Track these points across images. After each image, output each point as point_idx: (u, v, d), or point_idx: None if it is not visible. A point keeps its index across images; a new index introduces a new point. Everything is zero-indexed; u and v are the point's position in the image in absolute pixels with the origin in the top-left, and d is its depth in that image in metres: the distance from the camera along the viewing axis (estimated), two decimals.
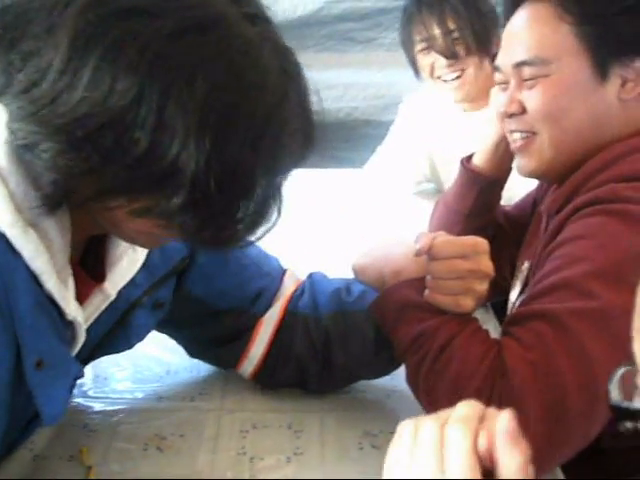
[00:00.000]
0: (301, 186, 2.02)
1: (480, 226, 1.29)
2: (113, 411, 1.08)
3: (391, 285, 1.00)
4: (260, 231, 0.76)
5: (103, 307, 0.88)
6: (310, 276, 1.14)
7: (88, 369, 1.14)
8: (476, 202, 1.31)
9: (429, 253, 0.94)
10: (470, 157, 1.34)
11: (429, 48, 1.81)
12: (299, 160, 0.76)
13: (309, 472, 0.96)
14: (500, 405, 0.84)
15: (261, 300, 1.09)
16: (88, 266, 0.87)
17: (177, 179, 0.66)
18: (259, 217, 0.74)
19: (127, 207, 0.71)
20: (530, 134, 1.06)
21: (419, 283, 0.97)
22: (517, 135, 1.09)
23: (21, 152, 0.69)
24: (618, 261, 0.89)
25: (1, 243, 0.69)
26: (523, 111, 1.06)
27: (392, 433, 1.00)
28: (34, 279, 0.73)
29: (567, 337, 0.87)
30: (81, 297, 0.83)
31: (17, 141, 0.67)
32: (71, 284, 0.79)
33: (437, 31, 1.77)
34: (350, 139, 2.77)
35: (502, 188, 1.34)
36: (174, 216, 0.70)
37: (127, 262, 0.89)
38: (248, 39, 0.69)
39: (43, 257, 0.72)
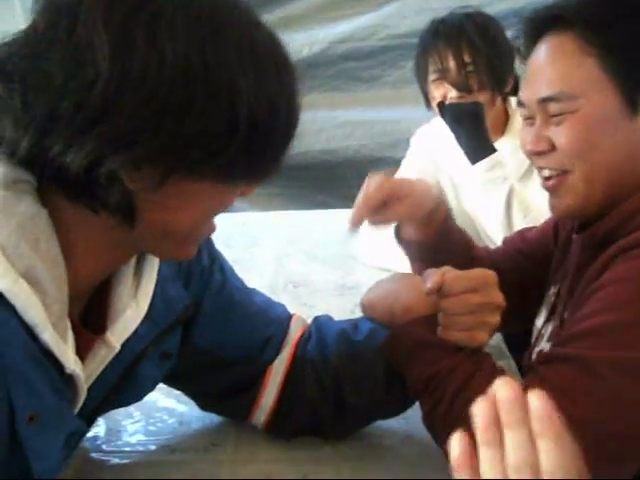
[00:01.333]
0: (320, 228, 2.06)
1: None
2: (127, 465, 1.07)
3: (403, 323, 0.99)
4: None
5: (107, 360, 0.87)
6: (316, 319, 1.14)
7: (100, 422, 1.13)
8: (421, 257, 1.26)
9: (440, 290, 0.93)
10: (396, 229, 1.28)
11: (442, 79, 1.80)
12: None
13: None
14: None
15: (269, 348, 1.08)
16: (89, 323, 0.86)
17: (239, 120, 0.70)
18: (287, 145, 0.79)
19: (191, 174, 0.73)
20: (561, 172, 1.04)
21: (431, 320, 0.96)
22: (547, 172, 1.06)
23: (14, 202, 0.70)
24: None
25: None
26: (552, 148, 1.03)
27: None
28: (28, 332, 0.72)
29: (597, 385, 0.85)
30: (82, 352, 0.82)
31: (76, 172, 0.69)
32: (70, 337, 0.78)
33: (452, 63, 1.77)
34: (360, 177, 2.77)
35: (448, 236, 1.26)
36: (236, 162, 0.73)
37: (130, 313, 0.88)
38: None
39: (36, 308, 0.71)
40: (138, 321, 0.90)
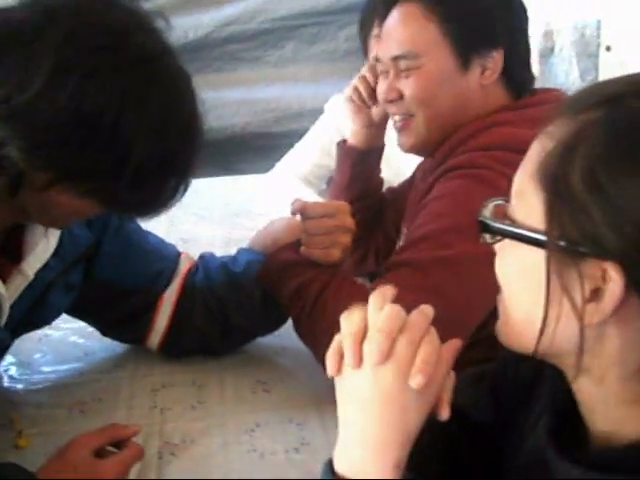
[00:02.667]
0: (208, 194, 2.22)
1: (359, 195, 1.51)
2: (38, 388, 1.24)
3: (272, 251, 1.20)
4: (171, 205, 0.99)
5: (23, 287, 1.04)
6: (202, 256, 1.34)
7: (12, 358, 1.29)
8: (352, 172, 1.52)
9: (302, 213, 1.15)
10: (344, 141, 1.55)
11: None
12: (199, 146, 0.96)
13: (211, 413, 1.14)
14: None
15: (161, 279, 1.27)
16: (7, 253, 1.03)
17: (126, 168, 0.87)
18: (173, 195, 0.97)
19: (76, 189, 0.90)
20: (407, 116, 1.27)
21: (295, 246, 1.18)
22: (397, 117, 1.29)
23: None
24: (471, 218, 1.10)
25: None
26: (401, 97, 1.26)
27: (281, 380, 1.21)
28: None
29: (427, 280, 1.08)
30: (2, 278, 0.99)
31: None
32: None
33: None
34: (246, 152, 2.95)
35: (376, 160, 1.54)
36: (113, 200, 0.91)
37: (42, 247, 1.05)
38: (172, 68, 0.92)
39: None
40: (48, 255, 1.07)
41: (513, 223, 0.64)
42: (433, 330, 0.67)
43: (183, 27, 2.90)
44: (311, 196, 2.11)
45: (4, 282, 0.99)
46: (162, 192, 0.95)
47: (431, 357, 0.65)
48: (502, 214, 0.68)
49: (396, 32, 1.26)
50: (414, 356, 0.64)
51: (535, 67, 2.77)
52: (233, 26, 3.01)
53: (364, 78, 1.45)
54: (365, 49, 2.07)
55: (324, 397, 1.17)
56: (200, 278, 1.28)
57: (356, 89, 1.44)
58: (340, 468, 0.65)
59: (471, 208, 1.10)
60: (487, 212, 0.70)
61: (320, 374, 1.19)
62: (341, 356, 0.66)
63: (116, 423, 1.04)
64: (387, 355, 0.64)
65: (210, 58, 2.96)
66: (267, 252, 1.25)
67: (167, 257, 1.30)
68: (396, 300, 1.07)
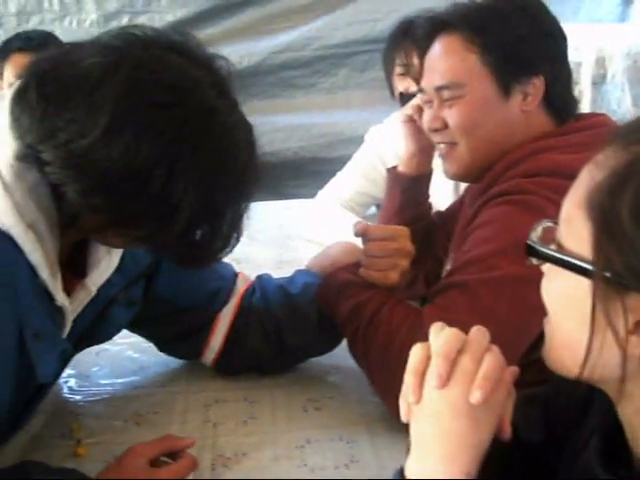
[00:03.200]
0: (260, 217, 2.27)
1: (409, 220, 1.52)
2: (96, 399, 1.28)
3: (330, 271, 1.24)
4: (223, 254, 1.04)
5: (86, 302, 1.09)
6: (259, 277, 1.37)
7: (72, 371, 1.34)
8: (402, 198, 1.54)
9: (364, 235, 1.19)
10: (395, 167, 1.58)
11: (406, 74, 2.00)
12: (251, 196, 1.01)
13: (263, 429, 1.17)
14: None
15: (218, 298, 1.30)
16: (72, 268, 1.08)
17: (177, 219, 0.92)
18: (225, 245, 1.01)
19: (127, 235, 0.96)
20: (451, 144, 1.29)
21: (353, 267, 1.22)
22: (442, 146, 1.32)
23: (25, 171, 0.92)
24: (518, 240, 1.11)
25: (7, 241, 0.91)
26: (445, 126, 1.29)
27: (331, 399, 1.24)
28: (31, 270, 0.94)
29: (475, 301, 1.10)
30: (67, 291, 1.04)
31: (52, 182, 0.91)
32: (59, 278, 1.00)
33: (416, 61, 1.96)
34: (299, 176, 3.00)
35: (426, 186, 1.57)
36: (164, 243, 0.96)
37: (105, 264, 1.10)
38: (228, 123, 0.95)
39: (39, 252, 0.94)
40: (111, 271, 1.12)
41: (560, 249, 0.65)
42: (495, 348, 0.70)
43: (238, 54, 2.98)
44: (353, 219, 2.14)
45: (68, 296, 1.03)
46: (212, 242, 0.99)
47: (492, 373, 0.67)
48: (550, 238, 0.69)
49: (438, 63, 1.29)
50: (477, 372, 0.67)
51: (587, 94, 2.78)
52: (287, 53, 3.08)
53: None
54: (390, 86, 2.10)
55: (374, 416, 1.19)
56: (257, 299, 1.31)
57: (416, 107, 1.45)
58: (411, 475, 0.68)
59: (517, 233, 1.12)
60: (535, 236, 0.71)
61: (371, 394, 1.23)
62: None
63: (171, 434, 1.07)
64: (446, 378, 0.67)
65: (264, 84, 3.04)
66: (325, 274, 1.27)
67: (225, 276, 1.33)
68: (449, 323, 1.09)
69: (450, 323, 1.08)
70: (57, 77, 0.91)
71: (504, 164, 1.24)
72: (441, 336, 0.71)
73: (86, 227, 0.98)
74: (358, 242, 1.26)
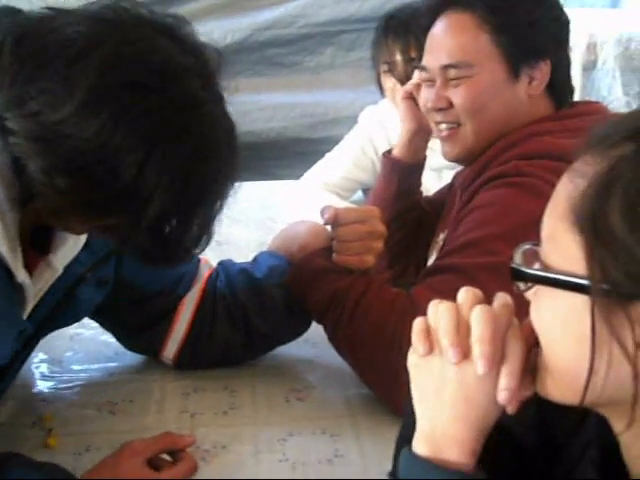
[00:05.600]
0: (243, 197, 2.22)
1: (405, 208, 1.48)
2: (69, 386, 1.23)
3: (302, 257, 1.18)
4: (190, 255, 0.99)
5: (51, 281, 1.03)
6: (221, 262, 1.31)
7: (44, 356, 1.28)
8: (399, 187, 1.49)
9: (335, 221, 1.13)
10: (389, 152, 1.52)
11: (391, 72, 1.94)
12: (226, 197, 0.95)
13: (243, 420, 1.12)
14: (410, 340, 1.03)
15: (183, 283, 1.24)
16: (35, 244, 1.01)
17: (146, 213, 0.86)
18: (193, 245, 0.96)
19: (91, 222, 0.89)
20: (455, 125, 1.25)
21: (325, 252, 1.16)
22: (443, 126, 1.27)
23: None
24: (517, 225, 1.09)
25: None
26: (450, 106, 1.24)
27: (314, 389, 1.19)
28: None
29: (472, 285, 1.06)
30: (30, 269, 0.97)
31: (15, 153, 0.84)
32: (19, 253, 0.93)
33: (399, 57, 1.91)
34: (282, 156, 2.94)
35: (420, 174, 1.52)
36: (130, 237, 0.90)
37: (72, 242, 1.03)
38: (210, 118, 0.90)
39: None
40: (78, 248, 1.06)
41: (548, 269, 0.61)
42: (516, 323, 0.67)
43: (222, 30, 2.90)
44: (339, 204, 2.09)
45: (30, 273, 0.97)
46: (181, 242, 0.94)
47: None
48: (533, 259, 0.65)
49: (445, 41, 1.25)
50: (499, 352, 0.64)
51: (577, 80, 2.74)
52: (272, 30, 3.01)
53: None
54: (379, 85, 2.03)
55: (358, 408, 1.15)
56: (221, 283, 1.26)
57: (416, 85, 1.39)
58: (420, 450, 0.66)
59: (516, 216, 1.11)
60: (518, 258, 0.67)
61: (355, 385, 1.19)
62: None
63: (170, 432, 1.01)
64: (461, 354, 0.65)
65: (248, 62, 2.97)
66: (293, 258, 1.22)
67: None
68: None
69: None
70: (37, 40, 0.84)
71: (500, 146, 1.21)
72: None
73: (45, 208, 0.90)
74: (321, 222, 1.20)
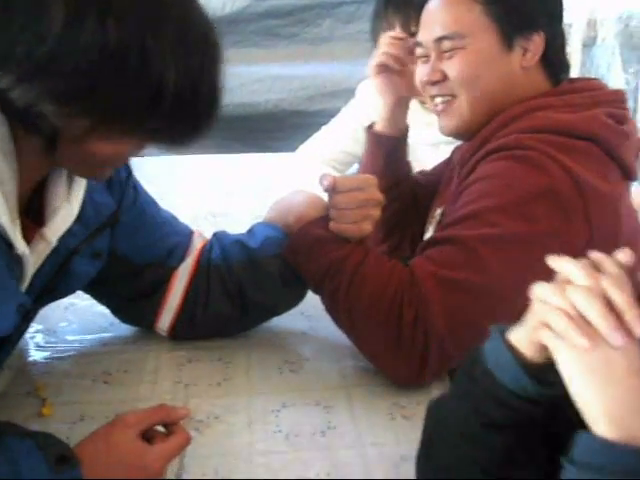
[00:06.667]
0: (239, 170, 2.21)
1: (393, 182, 1.48)
2: (64, 356, 1.23)
3: (299, 227, 1.18)
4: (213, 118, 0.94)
5: (46, 253, 1.02)
6: (215, 233, 1.31)
7: (39, 326, 1.28)
8: (385, 161, 1.48)
9: (333, 189, 1.13)
10: (371, 126, 1.51)
11: None
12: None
13: (237, 391, 1.13)
14: (410, 310, 1.04)
15: (175, 254, 1.24)
16: (29, 217, 1.01)
17: (163, 94, 0.84)
18: (211, 106, 0.92)
19: (114, 132, 0.87)
20: (450, 98, 1.25)
21: (321, 221, 1.15)
22: (439, 99, 1.27)
23: None
24: (519, 198, 1.09)
25: None
26: (444, 78, 1.24)
27: (308, 361, 1.20)
28: None
29: (472, 257, 1.07)
30: (27, 240, 0.97)
31: (19, 105, 0.82)
32: (18, 225, 0.93)
33: (399, 31, 1.84)
34: (279, 129, 2.93)
35: (405, 145, 1.51)
36: (157, 129, 0.88)
37: (64, 213, 1.02)
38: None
39: None
40: (71, 220, 1.05)
41: None
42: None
43: (220, 0, 2.88)
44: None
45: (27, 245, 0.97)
46: (199, 116, 0.92)
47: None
48: None
49: (439, 14, 1.25)
50: None
51: (577, 56, 2.73)
52: (270, 1, 2.99)
53: (395, 38, 1.43)
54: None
55: (352, 380, 1.16)
56: (216, 255, 1.25)
57: (388, 54, 1.40)
58: (607, 433, 0.64)
59: (518, 188, 1.11)
60: None
61: (349, 356, 1.19)
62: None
63: (165, 404, 0.99)
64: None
65: (246, 32, 2.95)
66: (290, 229, 1.22)
67: (181, 232, 1.27)
68: (435, 276, 1.05)
69: (444, 279, 1.05)
70: None
71: (500, 120, 1.21)
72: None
73: (69, 145, 0.88)
74: (320, 193, 1.20)
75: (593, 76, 2.75)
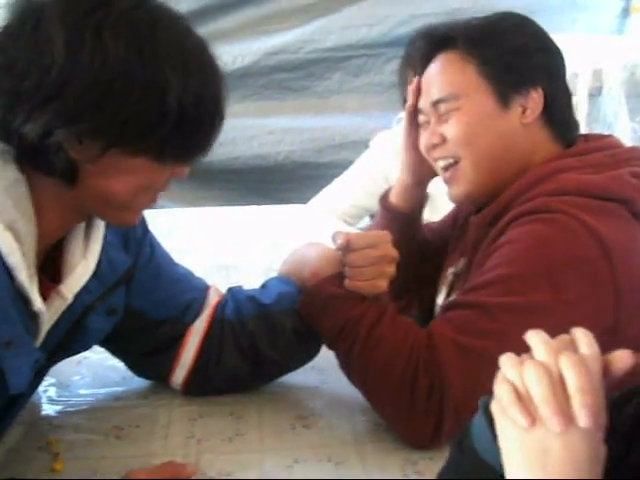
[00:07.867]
0: (250, 222, 2.23)
1: (407, 253, 1.46)
2: (76, 410, 1.23)
3: (314, 283, 1.19)
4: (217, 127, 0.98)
5: (61, 310, 1.03)
6: (230, 289, 1.31)
7: (52, 379, 1.29)
8: (399, 235, 1.46)
9: (347, 246, 1.13)
10: (386, 196, 1.49)
11: None
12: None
13: (249, 447, 1.13)
14: (426, 375, 1.03)
15: (190, 310, 1.25)
16: (46, 274, 1.02)
17: (168, 101, 0.88)
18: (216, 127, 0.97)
19: (127, 153, 0.90)
20: (453, 161, 1.25)
21: (337, 278, 1.16)
22: (441, 163, 1.27)
23: (1, 169, 0.87)
24: (545, 265, 1.09)
25: None
26: (444, 141, 1.25)
27: (320, 416, 1.19)
28: (7, 273, 0.89)
29: (493, 325, 1.06)
30: (43, 297, 0.98)
31: (33, 139, 0.86)
32: (36, 281, 0.94)
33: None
34: (289, 180, 2.96)
35: (420, 221, 1.50)
36: (166, 144, 0.91)
37: (81, 269, 1.04)
38: (167, 10, 0.94)
39: (16, 254, 0.88)
40: (87, 277, 1.06)
41: None
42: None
43: (231, 54, 2.94)
44: (347, 231, 2.05)
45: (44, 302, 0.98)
46: (203, 128, 0.95)
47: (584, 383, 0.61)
48: None
49: (435, 78, 1.27)
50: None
51: (583, 106, 2.76)
52: (280, 55, 3.05)
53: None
54: (404, 103, 2.01)
55: (364, 436, 1.15)
56: (230, 310, 1.26)
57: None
58: None
59: (544, 255, 1.11)
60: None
61: (361, 411, 1.19)
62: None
63: (173, 461, 1.00)
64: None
65: (257, 86, 3.00)
66: (304, 284, 1.22)
67: (196, 288, 1.28)
68: (455, 343, 1.03)
69: (463, 346, 1.04)
70: None
71: (525, 182, 1.19)
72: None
73: (88, 180, 0.91)
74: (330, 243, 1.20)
75: (600, 125, 2.78)
